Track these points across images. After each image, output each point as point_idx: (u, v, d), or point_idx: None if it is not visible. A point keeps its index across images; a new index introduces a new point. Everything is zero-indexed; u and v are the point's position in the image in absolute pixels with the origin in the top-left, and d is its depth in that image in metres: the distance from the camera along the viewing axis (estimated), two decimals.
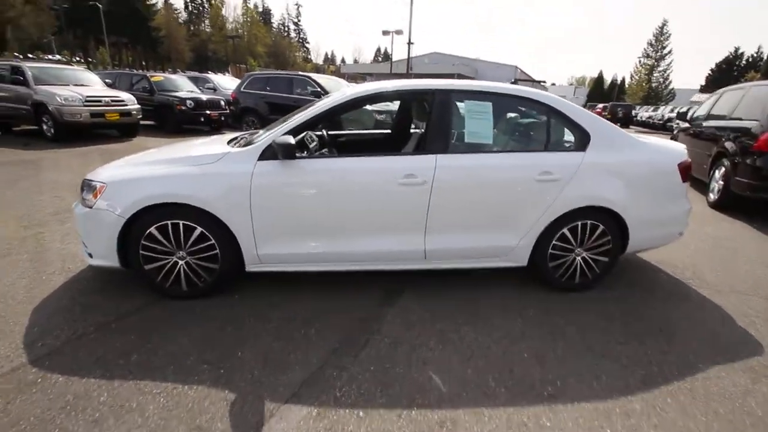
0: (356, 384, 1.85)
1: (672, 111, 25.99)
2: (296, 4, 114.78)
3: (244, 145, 2.46)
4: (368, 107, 7.32)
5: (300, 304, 2.52)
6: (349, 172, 2.38)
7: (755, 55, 60.37)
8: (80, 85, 8.97)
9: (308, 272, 2.57)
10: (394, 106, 5.64)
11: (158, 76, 11.16)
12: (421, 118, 3.33)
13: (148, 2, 55.13)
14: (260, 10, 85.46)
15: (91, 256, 2.42)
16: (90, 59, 54.23)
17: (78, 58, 57.41)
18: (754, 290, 3.07)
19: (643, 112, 29.86)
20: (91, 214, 2.34)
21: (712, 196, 5.55)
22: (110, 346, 2.06)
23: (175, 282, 2.44)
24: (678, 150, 2.82)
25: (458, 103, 2.55)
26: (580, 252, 2.70)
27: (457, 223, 2.51)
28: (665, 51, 56.12)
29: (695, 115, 7.18)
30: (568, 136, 2.67)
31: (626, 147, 2.65)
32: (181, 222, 2.29)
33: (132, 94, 10.04)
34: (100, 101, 8.51)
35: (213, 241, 2.34)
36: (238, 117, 9.77)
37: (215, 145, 2.63)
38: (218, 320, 2.30)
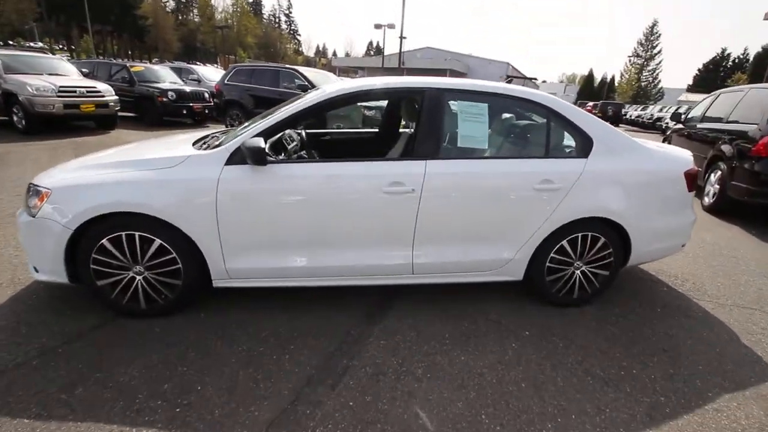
0: (332, 423, 1.63)
1: (661, 110, 26.19)
2: None
3: (215, 147, 2.20)
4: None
5: (273, 323, 2.28)
6: (328, 179, 2.13)
7: (741, 56, 61.33)
8: (54, 75, 8.50)
9: (283, 288, 2.33)
10: (384, 101, 5.39)
11: (139, 66, 10.70)
12: (410, 119, 3.09)
13: None
14: (250, 0, 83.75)
15: (36, 270, 2.15)
16: (74, 47, 52.53)
17: (61, 46, 55.59)
18: (757, 303, 2.93)
19: (633, 111, 30.05)
20: (35, 223, 2.06)
21: (707, 200, 5.44)
22: (53, 376, 1.81)
23: (133, 299, 2.18)
24: (684, 157, 2.64)
25: (451, 104, 2.33)
26: (579, 265, 2.51)
27: (449, 235, 2.29)
28: (655, 51, 56.61)
29: (690, 116, 7.06)
30: (569, 141, 2.46)
31: (630, 153, 2.46)
32: (137, 233, 2.03)
33: (110, 85, 9.66)
34: (74, 92, 8.07)
35: (174, 255, 2.09)
36: (222, 110, 9.39)
37: (180, 146, 2.36)
38: (180, 344, 2.05)
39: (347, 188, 2.14)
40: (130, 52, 59.11)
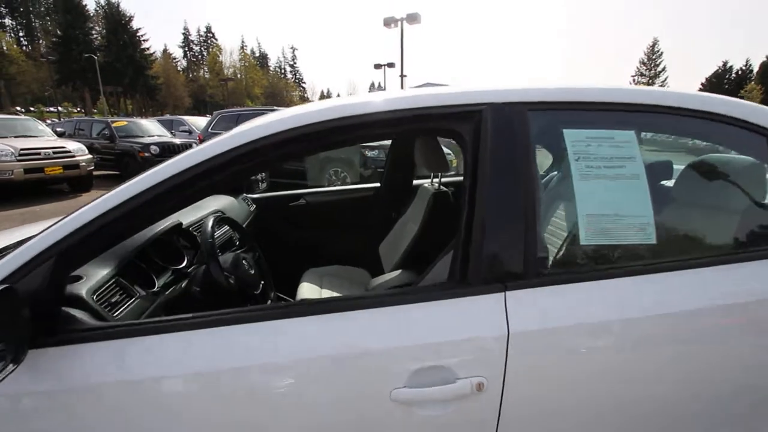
0: None
1: None
2: (291, 48, 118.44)
3: None
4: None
5: None
6: (237, 380, 0.76)
7: (744, 68, 60.08)
8: (23, 137, 7.72)
9: None
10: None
11: (121, 121, 9.95)
12: (434, 166, 1.78)
13: (145, 52, 56.24)
14: (257, 54, 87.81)
15: None
16: (93, 110, 54.85)
17: (78, 109, 58.33)
18: None
19: None
20: None
21: None
22: None
23: None
24: None
25: (545, 136, 0.98)
26: None
27: None
28: (659, 69, 56.30)
29: None
30: None
31: None
32: None
33: (93, 142, 9.14)
34: (38, 154, 7.16)
35: None
36: None
37: None
38: None
39: (296, 399, 0.75)
40: (143, 110, 61.38)
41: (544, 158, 0.98)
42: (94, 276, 0.99)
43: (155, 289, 1.13)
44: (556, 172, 1.20)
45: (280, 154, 0.90)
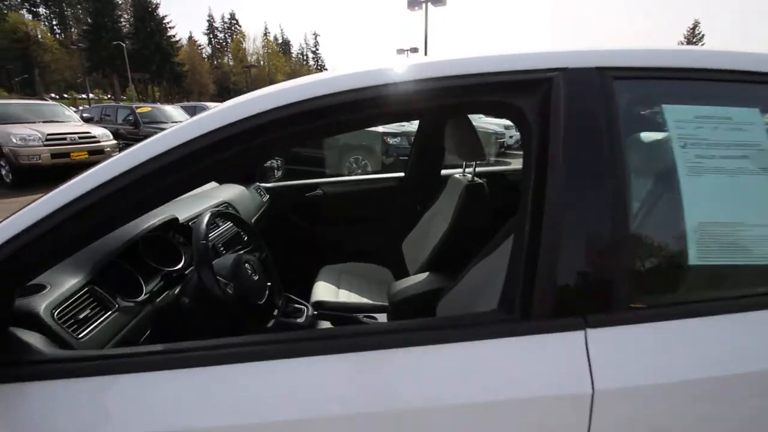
0: None
1: None
2: (314, 34, 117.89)
3: None
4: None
5: None
6: None
7: None
8: (50, 122, 7.89)
9: None
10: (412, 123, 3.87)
11: (145, 107, 10.09)
12: (467, 154, 1.56)
13: (171, 39, 57.21)
14: (280, 41, 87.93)
15: None
16: (122, 96, 56.65)
17: (109, 96, 60.43)
18: None
19: None
20: None
21: None
22: None
23: None
24: None
25: (637, 114, 0.73)
26: None
27: None
28: None
29: None
30: None
31: None
32: None
33: (118, 128, 9.41)
34: (64, 139, 7.29)
35: None
36: None
37: None
38: None
39: None
40: (170, 97, 62.83)
41: (633, 141, 0.73)
42: (61, 284, 0.82)
43: (142, 297, 0.96)
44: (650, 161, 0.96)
45: (282, 135, 0.69)
